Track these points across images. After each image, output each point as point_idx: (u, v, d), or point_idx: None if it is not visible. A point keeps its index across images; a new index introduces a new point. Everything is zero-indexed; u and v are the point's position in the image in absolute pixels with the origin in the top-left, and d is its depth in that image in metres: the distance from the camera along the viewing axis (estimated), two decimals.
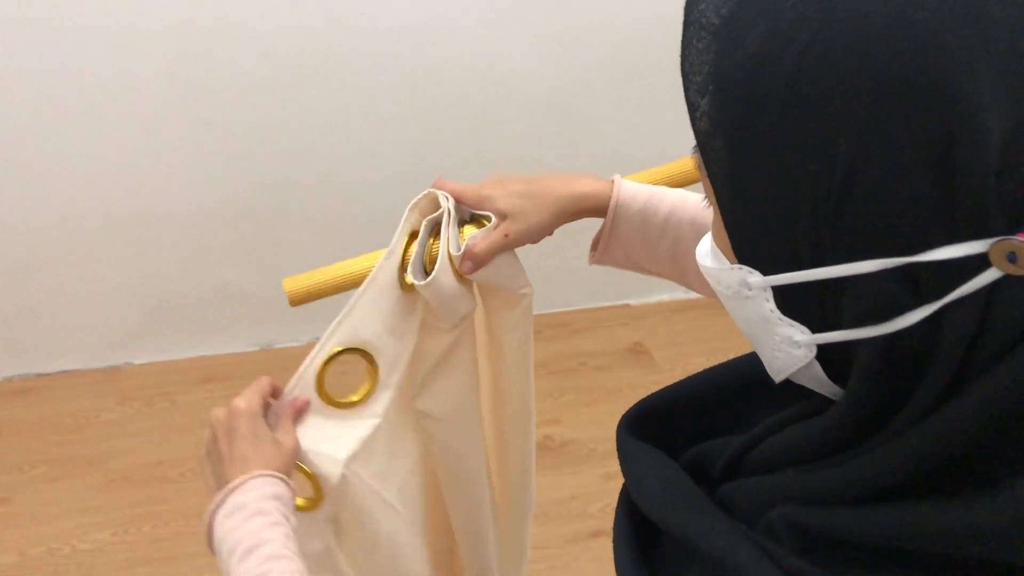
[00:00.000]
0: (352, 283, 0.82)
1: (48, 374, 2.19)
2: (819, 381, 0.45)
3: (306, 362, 0.79)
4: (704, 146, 0.43)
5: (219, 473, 0.74)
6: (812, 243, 0.40)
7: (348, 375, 0.85)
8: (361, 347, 0.81)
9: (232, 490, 0.70)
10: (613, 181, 0.82)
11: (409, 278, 0.79)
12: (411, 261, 0.80)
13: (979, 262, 0.37)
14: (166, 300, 2.17)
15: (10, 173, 1.96)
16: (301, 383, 0.80)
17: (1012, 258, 0.36)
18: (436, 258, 0.79)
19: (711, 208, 0.46)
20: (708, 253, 0.49)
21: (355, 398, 0.83)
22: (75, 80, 1.88)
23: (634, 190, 0.82)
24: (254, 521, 0.68)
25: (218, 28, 1.88)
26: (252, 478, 0.71)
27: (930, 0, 0.37)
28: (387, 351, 0.82)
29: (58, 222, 2.03)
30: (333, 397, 0.81)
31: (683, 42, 0.44)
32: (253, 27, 1.89)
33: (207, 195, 2.06)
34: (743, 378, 0.57)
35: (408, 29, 1.96)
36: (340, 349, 0.80)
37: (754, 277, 0.44)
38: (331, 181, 2.10)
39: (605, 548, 0.52)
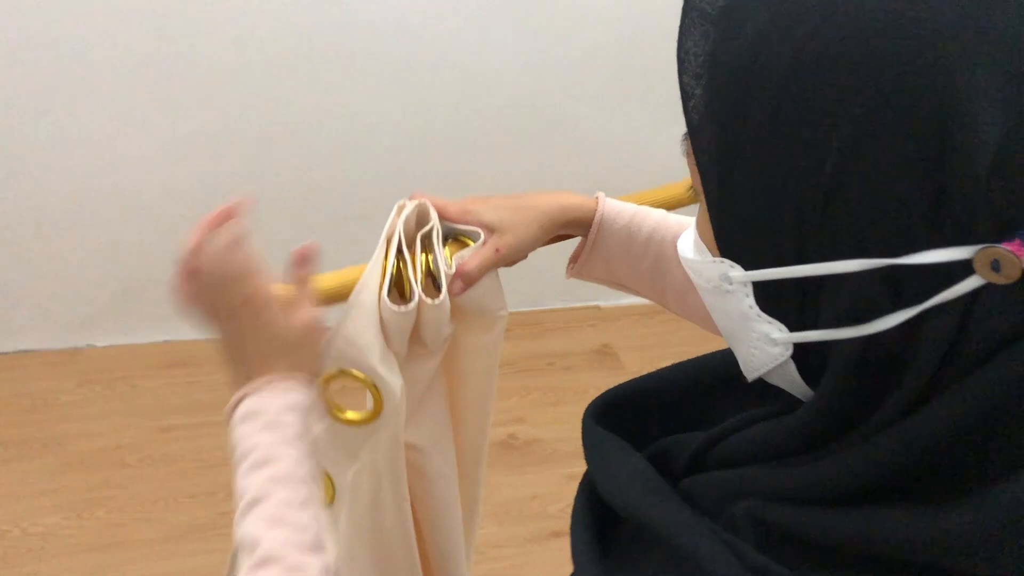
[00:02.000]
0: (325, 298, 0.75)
1: (7, 353, 2.15)
2: (792, 381, 0.45)
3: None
4: (695, 133, 0.43)
5: (239, 360, 0.68)
6: (796, 239, 0.40)
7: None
8: (350, 369, 0.74)
9: (249, 394, 0.65)
10: (598, 197, 0.82)
11: (385, 301, 0.73)
12: (409, 279, 0.73)
13: (962, 269, 0.37)
14: (132, 283, 2.14)
15: None
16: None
17: (996, 266, 0.36)
18: (426, 275, 0.74)
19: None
20: (691, 245, 0.48)
21: (356, 417, 0.77)
22: (49, 55, 1.84)
23: (619, 207, 0.82)
24: (268, 434, 0.63)
25: (198, 11, 1.86)
26: (272, 382, 0.65)
27: (932, 1, 0.36)
28: (384, 376, 0.75)
29: (24, 198, 1.99)
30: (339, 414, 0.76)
31: (681, 27, 0.44)
32: (232, 12, 1.87)
33: (179, 178, 2.03)
34: (713, 374, 0.57)
35: (387, 21, 1.95)
36: (332, 374, 0.74)
37: (735, 271, 0.43)
38: (304, 171, 2.08)
39: (565, 548, 0.52)
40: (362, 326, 0.73)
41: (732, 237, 0.43)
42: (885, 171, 0.37)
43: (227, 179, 2.06)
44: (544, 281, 2.32)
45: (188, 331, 2.20)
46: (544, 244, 0.83)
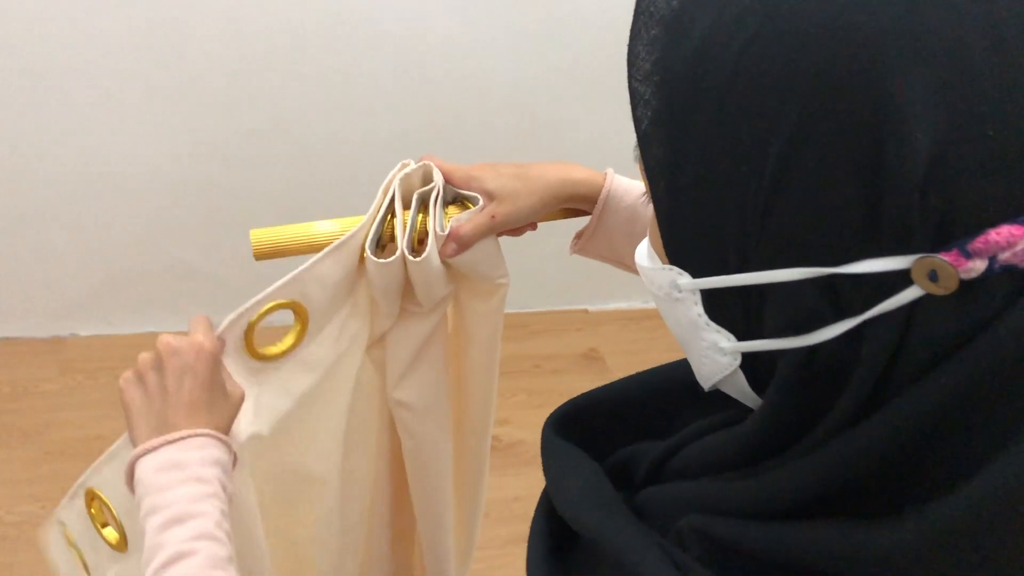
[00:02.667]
0: (322, 247, 0.76)
1: None
2: (742, 391, 0.45)
3: (238, 312, 0.72)
4: (644, 139, 0.43)
5: (155, 409, 0.66)
6: (739, 247, 0.40)
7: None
8: (299, 300, 0.75)
9: (172, 441, 0.63)
10: (606, 173, 0.82)
11: (367, 252, 0.75)
12: (396, 235, 0.75)
13: (901, 278, 0.36)
14: (117, 272, 2.12)
15: None
16: (231, 333, 0.72)
17: (933, 276, 0.36)
18: (424, 234, 0.75)
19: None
20: (645, 253, 0.48)
21: (275, 350, 0.77)
22: (38, 44, 1.83)
23: (627, 185, 0.81)
24: (190, 487, 0.62)
25: (191, 2, 1.84)
26: (197, 435, 0.64)
27: (869, 4, 0.36)
28: (321, 308, 0.77)
29: (8, 185, 1.97)
30: (257, 349, 0.75)
31: (632, 30, 0.43)
32: (227, 5, 1.86)
33: (166, 169, 2.02)
34: (675, 383, 0.56)
35: (383, 20, 1.94)
36: (280, 303, 0.74)
37: (684, 279, 0.43)
38: (295, 164, 2.07)
39: None
40: (337, 270, 0.75)
41: (679, 244, 0.43)
42: (822, 178, 0.36)
43: (216, 172, 2.05)
44: (532, 283, 2.32)
45: (172, 323, 2.19)
46: (553, 216, 0.82)
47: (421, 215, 0.76)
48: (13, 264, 2.07)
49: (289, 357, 0.77)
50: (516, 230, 0.81)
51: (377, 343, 0.83)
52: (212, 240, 2.12)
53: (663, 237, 0.44)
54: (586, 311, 2.43)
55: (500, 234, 0.80)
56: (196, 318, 0.71)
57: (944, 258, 0.35)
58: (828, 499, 0.40)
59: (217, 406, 0.67)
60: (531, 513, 1.97)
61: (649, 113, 0.42)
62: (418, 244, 0.76)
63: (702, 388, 0.47)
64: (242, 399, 0.71)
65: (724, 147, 0.39)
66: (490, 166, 0.79)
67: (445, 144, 2.11)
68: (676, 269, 0.43)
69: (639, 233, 0.81)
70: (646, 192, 0.45)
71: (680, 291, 0.44)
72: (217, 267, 2.14)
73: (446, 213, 0.77)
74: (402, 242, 0.75)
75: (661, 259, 0.45)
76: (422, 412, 0.85)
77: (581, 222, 0.84)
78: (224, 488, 0.64)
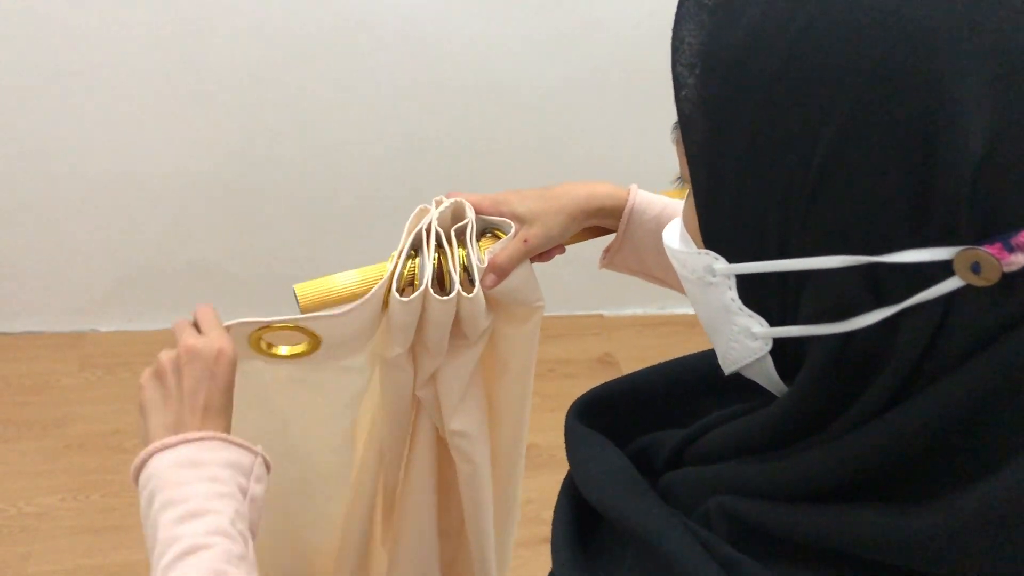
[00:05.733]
0: (363, 294, 0.76)
1: (13, 334, 2.16)
2: (768, 377, 0.45)
3: (254, 319, 0.72)
4: (686, 124, 0.43)
5: (172, 410, 0.66)
6: (780, 234, 0.40)
7: None
8: (317, 334, 0.75)
9: (190, 440, 0.64)
10: (630, 189, 0.82)
11: (395, 295, 0.75)
12: (433, 274, 0.75)
13: (942, 269, 0.37)
14: (138, 269, 2.15)
15: None
16: (240, 330, 0.73)
17: (976, 269, 0.36)
18: (460, 270, 0.76)
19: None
20: (676, 236, 0.48)
21: (277, 351, 0.77)
22: (64, 42, 1.85)
23: (650, 198, 0.82)
24: (207, 485, 0.62)
25: (213, 2, 1.86)
26: (216, 438, 0.65)
27: (927, 1, 0.36)
28: (335, 344, 0.77)
29: (34, 183, 2.00)
30: (260, 344, 0.75)
31: (677, 15, 0.44)
32: (248, 5, 1.88)
33: (188, 167, 2.04)
34: (695, 374, 0.57)
35: (404, 15, 1.95)
36: (290, 326, 0.74)
37: (719, 264, 0.44)
38: (316, 165, 2.09)
39: None
40: (363, 316, 0.75)
41: (717, 229, 0.43)
42: (871, 169, 0.37)
43: (237, 173, 2.06)
44: (548, 288, 2.32)
45: None
46: (582, 237, 0.83)
47: (461, 251, 0.78)
48: (36, 260, 2.09)
49: (286, 362, 0.77)
50: (545, 254, 0.82)
51: (428, 381, 0.83)
52: (232, 239, 2.14)
53: (701, 222, 0.44)
54: (601, 316, 2.44)
55: (533, 260, 0.81)
56: (203, 308, 0.72)
57: (988, 250, 0.36)
58: (856, 484, 0.40)
59: (232, 410, 0.68)
60: (544, 515, 1.98)
61: (692, 97, 0.42)
62: (445, 280, 0.77)
63: (721, 379, 0.48)
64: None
65: (771, 134, 0.39)
66: (514, 192, 0.81)
67: (464, 148, 2.12)
68: (712, 253, 0.44)
69: None
70: (681, 175, 0.46)
71: (715, 275, 0.44)
72: (236, 266, 2.16)
73: (480, 246, 0.79)
74: (456, 279, 0.76)
75: (696, 243, 0.45)
76: (476, 437, 0.86)
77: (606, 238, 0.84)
78: (241, 490, 0.65)
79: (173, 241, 2.13)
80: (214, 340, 0.68)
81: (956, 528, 0.37)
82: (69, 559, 1.67)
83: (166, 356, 0.69)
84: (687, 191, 0.46)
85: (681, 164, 0.45)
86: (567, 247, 0.84)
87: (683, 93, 0.43)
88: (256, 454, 0.67)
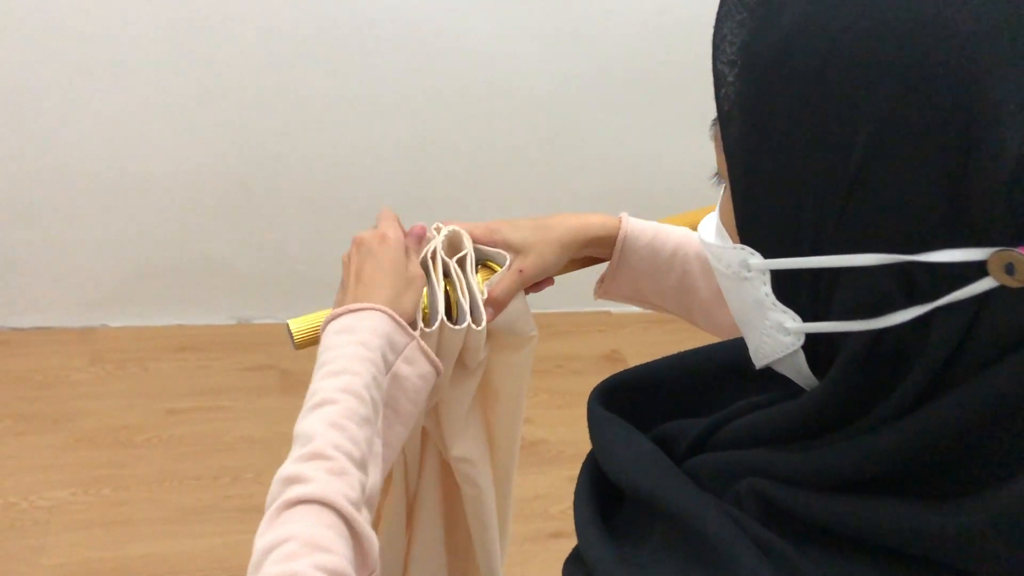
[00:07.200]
0: None
1: (22, 329, 2.17)
2: (799, 371, 0.46)
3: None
4: (725, 121, 0.44)
5: (348, 288, 0.74)
6: (815, 231, 0.41)
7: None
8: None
9: (352, 311, 0.70)
10: (621, 217, 0.84)
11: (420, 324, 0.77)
12: (437, 303, 0.77)
13: (976, 270, 0.37)
14: (148, 265, 2.16)
15: None
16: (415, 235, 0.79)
17: (1010, 270, 0.37)
18: (459, 300, 0.77)
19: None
20: (712, 230, 0.49)
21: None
22: (75, 38, 1.86)
23: (642, 225, 0.84)
24: (353, 348, 0.67)
25: None
26: (373, 309, 0.71)
27: (969, 3, 0.37)
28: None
29: (43, 176, 2.01)
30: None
31: (719, 13, 0.44)
32: (258, 1, 1.89)
33: (198, 163, 2.05)
34: (717, 363, 0.58)
35: (414, 14, 1.96)
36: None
37: (755, 259, 0.44)
38: (323, 161, 2.09)
39: (563, 550, 0.53)
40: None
41: (754, 225, 0.44)
42: (908, 168, 0.37)
43: (246, 170, 2.07)
44: (556, 284, 2.32)
45: (200, 316, 2.22)
46: (572, 267, 0.84)
47: (458, 282, 0.79)
48: (47, 256, 2.11)
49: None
50: (536, 286, 0.83)
51: (431, 410, 0.84)
52: (241, 236, 2.15)
53: (737, 217, 0.44)
54: (609, 313, 2.44)
55: (527, 291, 0.82)
56: (384, 211, 0.80)
57: (1022, 252, 0.36)
58: (884, 479, 0.41)
59: (397, 290, 0.74)
60: (550, 511, 1.98)
61: (732, 95, 0.43)
62: (453, 310, 0.78)
63: (740, 370, 0.48)
64: (423, 285, 0.77)
65: (810, 132, 0.40)
66: (507, 221, 0.82)
67: (473, 145, 2.12)
68: (748, 248, 0.44)
69: (661, 269, 0.83)
70: (718, 171, 0.46)
71: (750, 270, 0.44)
72: (245, 262, 2.17)
73: (478, 278, 0.79)
74: (467, 308, 0.77)
75: (731, 237, 0.46)
76: (479, 462, 0.87)
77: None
78: (386, 361, 0.69)
79: (183, 237, 2.14)
80: (380, 230, 0.77)
81: (983, 524, 0.37)
82: (81, 552, 1.68)
83: (353, 242, 0.78)
84: (723, 188, 0.47)
85: (719, 160, 0.46)
86: (555, 279, 0.85)
87: (723, 91, 0.43)
88: (412, 338, 0.72)
